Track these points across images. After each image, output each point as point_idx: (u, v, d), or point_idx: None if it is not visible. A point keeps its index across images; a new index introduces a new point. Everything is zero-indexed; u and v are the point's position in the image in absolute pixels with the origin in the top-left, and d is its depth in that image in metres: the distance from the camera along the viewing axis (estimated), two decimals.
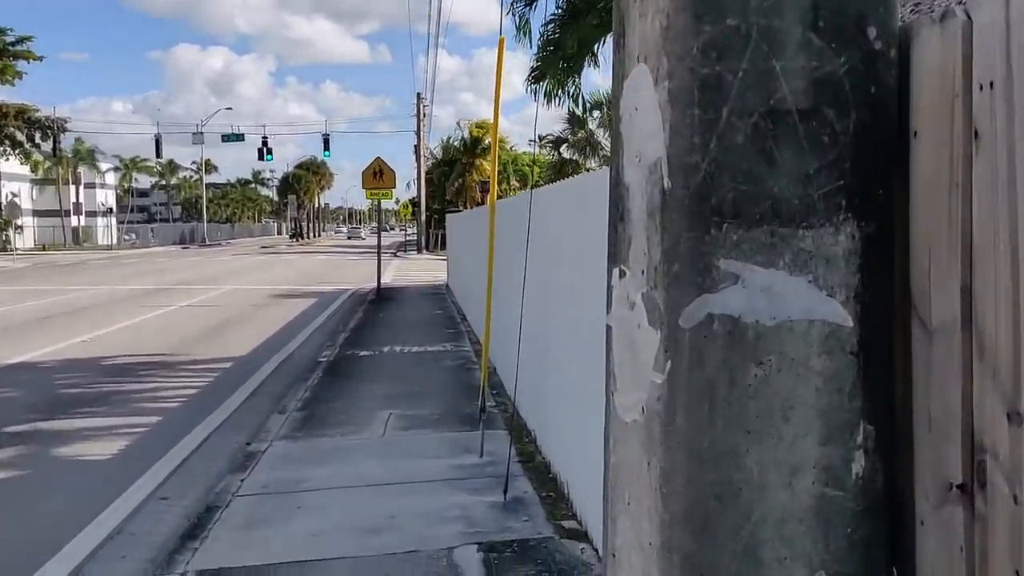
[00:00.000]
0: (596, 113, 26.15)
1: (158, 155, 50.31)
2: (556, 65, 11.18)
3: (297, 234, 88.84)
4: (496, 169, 6.69)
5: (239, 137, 53.23)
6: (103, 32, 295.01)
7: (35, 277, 32.35)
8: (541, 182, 63.69)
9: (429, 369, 10.78)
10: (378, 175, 21.36)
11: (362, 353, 12.26)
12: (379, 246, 22.61)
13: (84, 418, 8.86)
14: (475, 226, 14.59)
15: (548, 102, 12.03)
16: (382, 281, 28.30)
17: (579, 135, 25.21)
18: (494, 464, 6.35)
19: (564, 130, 25.66)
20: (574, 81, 10.78)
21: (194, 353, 13.16)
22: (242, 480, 6.27)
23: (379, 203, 21.83)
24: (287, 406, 8.79)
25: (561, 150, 25.88)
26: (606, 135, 26.08)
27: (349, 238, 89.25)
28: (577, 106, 11.52)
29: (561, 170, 25.27)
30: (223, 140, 52.90)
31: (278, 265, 40.32)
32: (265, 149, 51.15)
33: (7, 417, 8.80)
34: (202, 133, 52.92)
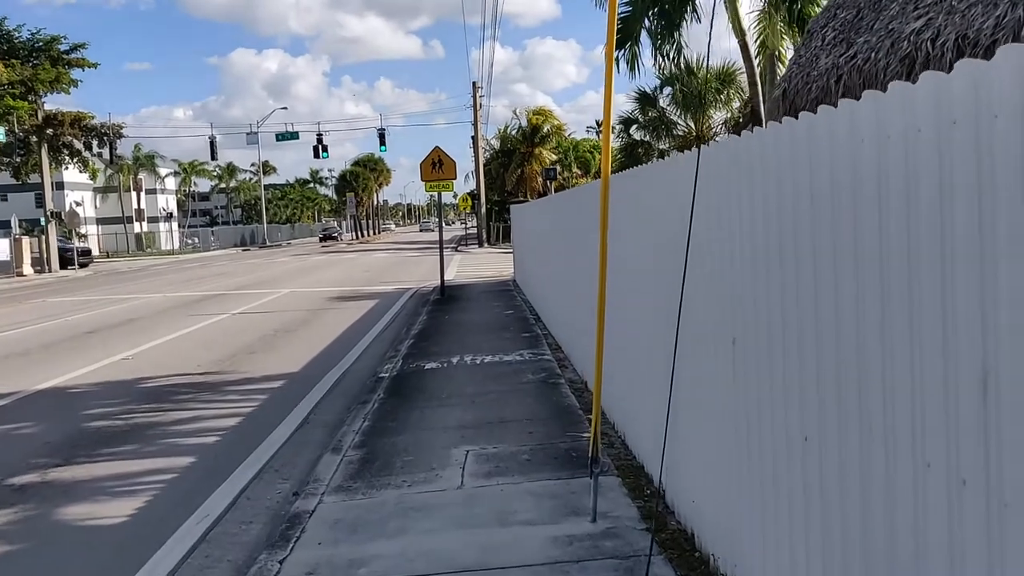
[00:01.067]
0: (667, 90, 24.30)
1: (213, 157, 49.75)
2: (640, 24, 9.48)
3: (357, 231, 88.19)
4: (608, 139, 5.07)
5: (294, 136, 52.33)
6: (164, 41, 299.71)
7: (92, 286, 31.68)
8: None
9: (507, 386, 9.20)
10: (437, 165, 19.87)
11: (428, 366, 10.74)
12: (441, 241, 21.15)
13: (106, 461, 7.49)
14: (548, 216, 12.98)
15: (631, 70, 10.38)
16: (446, 278, 26.99)
17: (650, 114, 23.38)
18: (614, 535, 4.73)
19: (633, 110, 23.92)
20: (671, 37, 9.11)
21: (242, 370, 11.80)
22: (281, 562, 4.76)
23: (439, 196, 20.33)
24: (343, 442, 7.28)
25: (631, 131, 24.13)
26: (680, 113, 24.28)
27: (421, 230, 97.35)
28: (678, 63, 9.87)
29: (632, 153, 23.56)
30: (277, 139, 51.98)
31: (337, 265, 39.24)
32: (320, 147, 50.14)
33: (15, 463, 7.46)
34: (256, 133, 52.29)
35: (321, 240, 73.21)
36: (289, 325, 16.65)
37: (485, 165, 55.39)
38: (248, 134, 51.64)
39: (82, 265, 47.72)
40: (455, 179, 19.92)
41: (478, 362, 10.75)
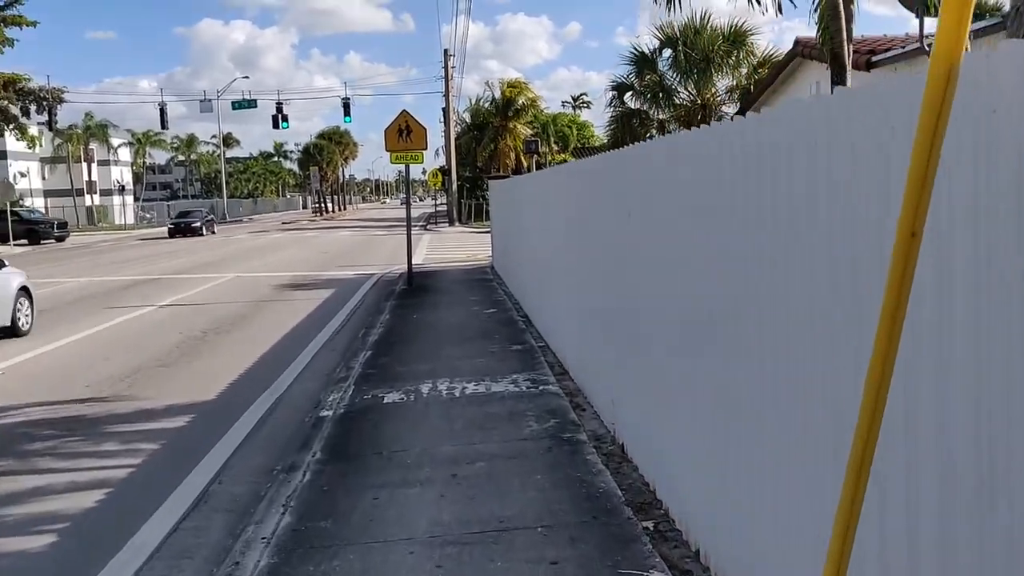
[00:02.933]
0: (666, 52, 21.39)
1: (163, 126, 45.95)
2: None
3: (321, 208, 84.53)
4: None
5: (251, 104, 48.63)
6: (128, 9, 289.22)
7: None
8: (591, 142, 58.82)
9: (502, 443, 6.33)
10: (405, 134, 16.88)
11: (389, 398, 7.84)
12: (408, 222, 18.13)
13: None
14: (542, 193, 10.12)
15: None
16: (414, 262, 24.10)
17: (648, 79, 20.47)
18: None
19: (628, 74, 21.00)
20: None
21: (141, 395, 8.84)
22: None
23: (407, 168, 17.34)
24: (247, 561, 4.40)
25: (626, 99, 21.22)
26: (680, 79, 21.36)
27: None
28: None
29: (627, 124, 20.65)
30: (234, 108, 48.34)
31: (295, 245, 36.04)
32: (280, 116, 46.59)
33: None
34: (211, 101, 48.42)
35: (170, 233, 45.24)
36: (222, 323, 13.66)
37: (456, 139, 52.17)
38: (202, 101, 47.92)
39: (59, 239, 43.86)
40: (425, 149, 16.97)
41: (457, 393, 7.87)
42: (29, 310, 13.04)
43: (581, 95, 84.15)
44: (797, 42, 16.21)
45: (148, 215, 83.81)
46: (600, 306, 6.52)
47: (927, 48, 9.65)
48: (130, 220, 77.99)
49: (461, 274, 19.79)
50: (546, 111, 59.88)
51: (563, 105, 74.61)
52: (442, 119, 50.53)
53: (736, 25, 20.32)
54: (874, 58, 13.00)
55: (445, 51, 47.55)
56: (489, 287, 16.50)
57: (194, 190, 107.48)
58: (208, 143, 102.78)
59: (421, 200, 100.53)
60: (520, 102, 52.78)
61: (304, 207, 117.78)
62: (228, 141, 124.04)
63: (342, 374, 9.00)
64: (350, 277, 20.56)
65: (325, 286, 18.80)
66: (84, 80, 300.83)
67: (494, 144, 51.78)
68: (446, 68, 46.99)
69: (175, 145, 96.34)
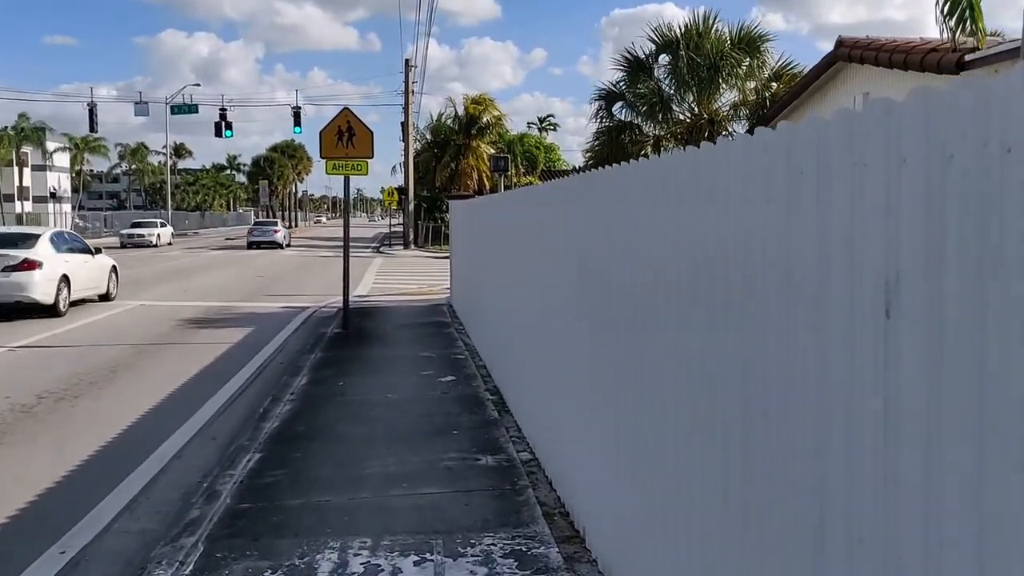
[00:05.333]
0: (663, 58, 18.10)
1: (91, 129, 41.63)
2: None
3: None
4: None
5: (193, 109, 44.46)
6: (88, 16, 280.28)
7: None
8: (572, 162, 55.28)
9: None
10: (345, 137, 13.32)
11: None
12: (346, 247, 14.40)
13: None
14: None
15: None
16: (357, 293, 20.43)
17: (640, 88, 17.05)
18: None
19: (619, 81, 17.57)
20: None
21: None
22: None
23: (346, 181, 13.72)
24: None
25: (614, 110, 17.77)
26: (679, 90, 17.98)
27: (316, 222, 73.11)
28: None
29: (616, 139, 17.17)
30: (173, 112, 44.20)
31: (231, 265, 32.08)
32: (224, 124, 42.61)
33: None
34: (147, 104, 44.12)
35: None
36: (79, 381, 9.92)
37: (415, 157, 48.63)
38: (137, 104, 43.62)
39: None
40: (371, 158, 13.37)
41: (391, 570, 4.30)
42: (115, 283, 18.67)
43: (548, 116, 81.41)
44: (840, 43, 13.00)
45: (87, 225, 78.83)
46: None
47: None
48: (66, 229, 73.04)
49: (412, 314, 16.19)
50: (511, 133, 56.62)
51: (528, 126, 71.51)
52: (403, 137, 46.95)
53: (748, 28, 17.15)
54: (967, 57, 9.80)
55: (406, 61, 44.07)
56: (446, 336, 12.93)
57: (138, 200, 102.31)
58: (160, 153, 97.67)
59: (378, 219, 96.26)
60: (485, 120, 49.47)
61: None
62: (180, 152, 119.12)
63: (194, 513, 5.36)
64: (277, 312, 16.87)
65: (242, 323, 15.10)
66: (41, 85, 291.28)
67: (455, 163, 48.34)
68: (406, 79, 43.52)
69: (120, 153, 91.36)
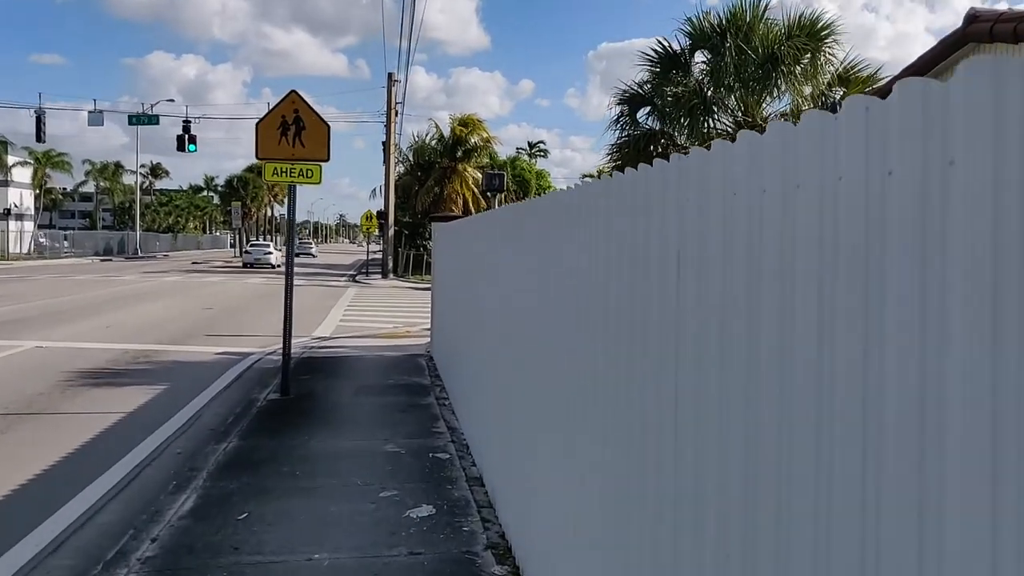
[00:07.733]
0: (698, 56, 14.66)
1: (38, 139, 37.59)
2: None
3: (240, 247, 76.27)
4: None
5: (151, 120, 40.76)
6: (76, 36, 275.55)
7: None
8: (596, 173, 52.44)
9: None
10: (291, 132, 9.71)
11: None
12: (289, 273, 10.57)
13: None
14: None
15: None
16: (316, 334, 16.80)
17: (672, 89, 13.57)
18: None
19: (645, 82, 14.13)
20: None
21: None
22: None
23: (291, 192, 10.04)
24: None
25: (639, 116, 14.28)
26: (723, 91, 14.42)
27: (299, 254, 56.90)
28: None
29: (643, 150, 13.63)
30: (130, 123, 40.45)
31: (180, 293, 28.21)
32: (187, 137, 38.86)
33: None
34: (101, 112, 40.11)
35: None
36: None
37: (397, 180, 45.03)
38: (91, 113, 39.65)
39: None
40: (325, 160, 9.72)
41: None
42: None
43: (539, 143, 78.15)
44: (973, 16, 9.57)
45: (49, 244, 74.49)
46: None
47: None
48: (24, 249, 68.96)
49: (381, 369, 12.48)
50: (501, 158, 53.13)
51: (518, 151, 68.15)
52: (384, 159, 43.33)
53: (812, 17, 13.71)
54: None
55: (389, 75, 40.61)
56: (422, 410, 9.22)
57: (107, 220, 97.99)
58: (134, 171, 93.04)
59: (363, 245, 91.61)
60: (472, 141, 46.00)
61: (233, 245, 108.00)
62: (157, 171, 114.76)
63: None
64: (209, 360, 13.14)
65: (155, 379, 11.39)
66: (24, 101, 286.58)
67: (440, 188, 44.77)
68: (389, 94, 40.03)
69: (87, 170, 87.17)
